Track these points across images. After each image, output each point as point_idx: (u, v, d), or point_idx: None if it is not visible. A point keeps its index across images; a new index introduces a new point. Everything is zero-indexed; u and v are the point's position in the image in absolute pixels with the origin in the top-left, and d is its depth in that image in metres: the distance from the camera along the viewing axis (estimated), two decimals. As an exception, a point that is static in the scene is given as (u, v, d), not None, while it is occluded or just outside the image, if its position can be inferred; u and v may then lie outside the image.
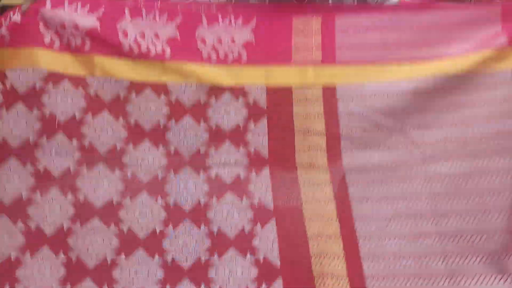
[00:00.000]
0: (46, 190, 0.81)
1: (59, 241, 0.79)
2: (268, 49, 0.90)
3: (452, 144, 0.83)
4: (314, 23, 0.91)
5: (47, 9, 0.84)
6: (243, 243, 0.81)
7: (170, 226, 0.82)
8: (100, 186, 0.82)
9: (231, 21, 0.90)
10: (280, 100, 0.89)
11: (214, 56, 0.89)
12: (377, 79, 0.87)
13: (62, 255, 0.79)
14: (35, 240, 0.79)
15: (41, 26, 0.83)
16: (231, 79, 0.88)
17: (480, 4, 0.90)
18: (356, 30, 0.90)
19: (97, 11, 0.86)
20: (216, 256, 0.81)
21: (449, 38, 0.86)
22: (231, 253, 0.81)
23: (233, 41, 0.89)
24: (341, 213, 0.83)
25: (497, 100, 0.83)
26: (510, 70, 0.83)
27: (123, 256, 0.80)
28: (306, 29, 0.91)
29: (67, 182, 0.81)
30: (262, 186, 0.85)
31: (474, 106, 0.84)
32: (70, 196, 0.81)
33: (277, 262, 0.80)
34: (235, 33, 0.89)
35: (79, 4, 0.85)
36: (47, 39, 0.84)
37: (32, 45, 0.83)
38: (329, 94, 0.88)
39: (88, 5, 0.85)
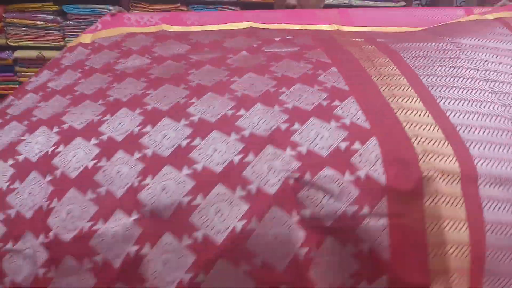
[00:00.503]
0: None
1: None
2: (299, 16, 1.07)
3: None
4: (332, 12, 1.08)
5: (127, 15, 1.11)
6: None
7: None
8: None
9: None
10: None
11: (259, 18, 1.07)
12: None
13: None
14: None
15: (126, 20, 1.08)
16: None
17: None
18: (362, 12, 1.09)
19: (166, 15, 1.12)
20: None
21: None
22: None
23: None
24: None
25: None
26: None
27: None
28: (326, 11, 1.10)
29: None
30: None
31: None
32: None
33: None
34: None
35: (153, 14, 1.13)
36: (127, 22, 1.07)
37: (118, 26, 1.06)
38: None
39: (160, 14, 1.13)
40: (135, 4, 2.47)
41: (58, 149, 0.64)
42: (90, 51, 0.97)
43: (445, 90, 0.69)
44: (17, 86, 2.54)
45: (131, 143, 0.63)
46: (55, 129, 0.67)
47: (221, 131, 0.62)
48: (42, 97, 0.80)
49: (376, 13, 1.09)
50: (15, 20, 2.45)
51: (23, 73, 2.53)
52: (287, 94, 0.67)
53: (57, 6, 2.46)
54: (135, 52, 0.93)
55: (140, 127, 0.65)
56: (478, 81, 0.72)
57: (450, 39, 0.83)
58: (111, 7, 2.46)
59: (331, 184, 0.56)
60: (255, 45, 0.88)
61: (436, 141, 0.60)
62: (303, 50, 0.82)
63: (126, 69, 0.87)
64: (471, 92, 0.70)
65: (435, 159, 0.58)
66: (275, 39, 0.91)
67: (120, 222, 0.56)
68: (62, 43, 2.49)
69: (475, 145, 0.62)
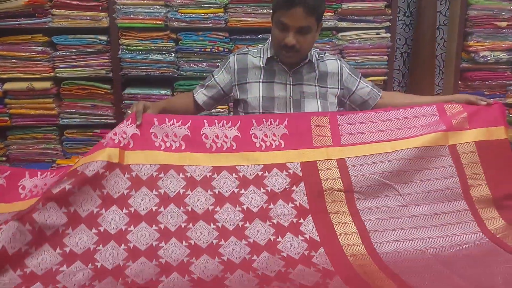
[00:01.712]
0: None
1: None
2: (297, 138, 1.40)
3: (422, 194, 1.34)
4: (324, 119, 1.45)
5: (155, 125, 1.35)
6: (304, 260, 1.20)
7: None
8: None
9: (271, 121, 1.42)
10: (310, 170, 1.35)
11: (264, 146, 1.39)
12: (370, 152, 1.38)
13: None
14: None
15: (153, 136, 1.34)
16: (275, 160, 1.36)
17: (420, 106, 1.49)
18: (351, 123, 1.45)
19: (187, 123, 1.37)
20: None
21: (408, 126, 1.43)
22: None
23: (274, 135, 1.41)
24: (363, 239, 1.25)
25: (446, 163, 1.38)
26: (449, 146, 1.39)
27: None
28: (320, 124, 1.44)
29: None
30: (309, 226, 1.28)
31: (433, 168, 1.37)
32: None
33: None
34: (275, 129, 1.41)
35: (175, 120, 1.37)
36: (156, 144, 1.33)
37: (148, 149, 1.32)
38: (342, 164, 1.36)
39: (181, 120, 1.38)
40: (124, 34, 2.49)
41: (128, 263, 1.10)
42: (130, 183, 1.25)
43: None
44: (7, 118, 2.53)
45: (184, 269, 1.11)
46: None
47: None
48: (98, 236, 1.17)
49: (363, 129, 1.44)
50: (4, 52, 2.46)
51: (12, 105, 2.52)
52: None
53: (46, 37, 2.47)
54: (172, 200, 1.25)
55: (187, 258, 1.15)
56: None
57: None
58: (100, 37, 2.48)
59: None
60: (264, 206, 1.30)
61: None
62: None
63: (167, 223, 1.21)
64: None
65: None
66: (277, 191, 1.33)
67: None
68: (52, 74, 2.50)
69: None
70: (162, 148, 1.32)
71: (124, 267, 1.08)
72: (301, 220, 1.27)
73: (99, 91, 2.54)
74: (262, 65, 1.59)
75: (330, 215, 1.29)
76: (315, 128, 1.42)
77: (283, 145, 1.39)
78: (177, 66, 2.56)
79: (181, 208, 1.24)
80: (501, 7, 2.65)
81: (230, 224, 1.24)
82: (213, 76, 1.66)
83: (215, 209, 1.26)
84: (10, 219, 1.06)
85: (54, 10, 2.42)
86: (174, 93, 2.60)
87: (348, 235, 1.25)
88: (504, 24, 2.66)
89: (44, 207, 1.11)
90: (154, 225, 1.20)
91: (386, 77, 2.65)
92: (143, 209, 1.22)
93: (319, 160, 1.36)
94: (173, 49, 2.52)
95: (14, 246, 1.04)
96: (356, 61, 2.61)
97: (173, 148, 1.33)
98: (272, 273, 1.11)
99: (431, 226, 1.28)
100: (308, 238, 1.23)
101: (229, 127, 1.39)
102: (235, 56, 1.64)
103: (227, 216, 1.25)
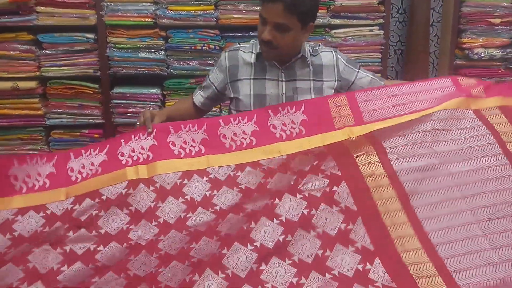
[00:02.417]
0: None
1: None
2: (318, 123, 1.34)
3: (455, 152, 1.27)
4: (342, 99, 1.38)
5: (172, 133, 1.34)
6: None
7: None
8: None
9: (288, 110, 1.36)
10: (337, 148, 1.28)
11: (284, 135, 1.33)
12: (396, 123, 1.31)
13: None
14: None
15: (171, 145, 1.32)
16: (300, 148, 1.31)
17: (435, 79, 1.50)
18: (370, 99, 1.37)
19: (203, 126, 1.35)
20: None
21: (427, 98, 1.38)
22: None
23: (293, 122, 1.35)
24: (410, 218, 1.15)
25: (475, 123, 1.33)
26: (473, 110, 1.35)
27: None
28: (338, 104, 1.37)
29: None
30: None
31: (463, 128, 1.32)
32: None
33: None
34: (293, 117, 1.36)
35: (190, 125, 1.35)
36: (176, 152, 1.31)
37: (168, 158, 1.30)
38: (372, 138, 1.28)
39: (196, 124, 1.35)
40: (112, 31, 2.43)
41: None
42: (155, 194, 1.24)
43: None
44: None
45: (217, 262, 1.04)
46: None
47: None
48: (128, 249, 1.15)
49: (383, 104, 1.37)
50: (-12, 51, 2.39)
51: (-3, 105, 2.45)
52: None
53: (31, 36, 2.40)
54: (199, 204, 1.22)
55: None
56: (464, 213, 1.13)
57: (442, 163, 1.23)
58: (87, 35, 2.42)
59: None
60: (292, 183, 1.21)
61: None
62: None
63: (197, 225, 1.17)
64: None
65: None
66: (305, 169, 1.24)
67: None
68: (37, 73, 2.43)
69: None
70: (182, 155, 1.31)
71: (157, 274, 1.06)
72: (335, 188, 1.18)
73: (87, 91, 2.47)
74: (252, 61, 1.53)
75: (369, 188, 1.19)
76: (334, 109, 1.36)
77: (304, 132, 1.33)
78: (167, 64, 2.50)
79: (209, 209, 1.21)
80: (494, 3, 2.63)
81: (259, 209, 1.19)
82: (208, 76, 1.62)
83: (244, 204, 1.21)
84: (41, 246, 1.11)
85: (39, 7, 2.36)
86: (164, 92, 2.55)
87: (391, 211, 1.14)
88: (498, 20, 2.63)
89: (75, 234, 1.15)
90: (184, 230, 1.17)
91: (380, 75, 2.62)
92: (172, 217, 1.20)
93: (345, 140, 1.29)
94: (163, 47, 2.47)
95: (46, 266, 1.08)
96: (350, 58, 2.57)
97: (193, 153, 1.32)
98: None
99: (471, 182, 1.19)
100: (343, 208, 1.14)
101: (245, 123, 1.35)
102: (227, 53, 1.59)
103: (256, 202, 1.21)
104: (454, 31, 2.66)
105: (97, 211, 1.19)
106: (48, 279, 1.04)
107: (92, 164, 1.28)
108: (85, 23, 2.41)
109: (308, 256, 1.05)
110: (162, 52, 2.47)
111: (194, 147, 1.33)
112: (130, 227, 1.18)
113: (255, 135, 1.34)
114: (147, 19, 2.42)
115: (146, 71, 2.49)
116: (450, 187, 1.17)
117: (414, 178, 1.19)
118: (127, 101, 2.52)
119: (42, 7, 2.36)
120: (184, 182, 1.27)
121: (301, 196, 1.17)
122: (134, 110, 2.51)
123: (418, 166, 1.22)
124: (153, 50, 2.47)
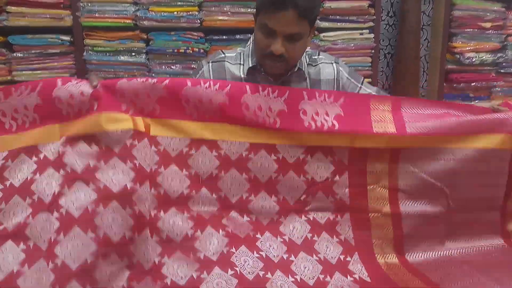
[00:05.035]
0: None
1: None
2: (354, 121, 1.18)
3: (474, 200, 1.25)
4: (386, 104, 1.24)
5: (188, 86, 1.10)
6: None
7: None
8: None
9: (325, 97, 1.19)
10: (357, 159, 1.20)
11: (313, 125, 1.16)
12: (431, 145, 1.20)
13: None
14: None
15: (184, 102, 1.11)
16: (322, 142, 1.17)
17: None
18: (415, 111, 1.25)
19: (226, 88, 1.13)
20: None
21: (474, 128, 1.23)
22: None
23: (327, 113, 1.18)
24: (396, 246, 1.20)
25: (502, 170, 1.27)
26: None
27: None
28: (379, 108, 1.23)
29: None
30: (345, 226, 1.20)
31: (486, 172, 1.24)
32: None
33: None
34: (328, 107, 1.19)
35: (211, 83, 1.12)
36: (187, 112, 1.11)
37: (178, 118, 1.11)
38: (395, 155, 1.20)
39: (218, 84, 1.13)
40: (89, 33, 2.28)
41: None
42: (158, 157, 1.09)
43: None
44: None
45: (226, 261, 1.06)
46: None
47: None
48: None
49: (425, 118, 1.23)
50: (-47, 54, 2.22)
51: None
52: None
53: (1, 37, 2.24)
54: (203, 184, 1.12)
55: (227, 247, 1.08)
56: None
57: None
58: (62, 37, 2.27)
59: None
60: (302, 199, 1.19)
61: None
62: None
63: (199, 211, 1.11)
64: None
65: None
66: (318, 180, 1.20)
67: None
68: (9, 77, 2.27)
69: None
70: (194, 117, 1.11)
71: (161, 264, 1.02)
72: (338, 218, 1.19)
73: (62, 96, 2.32)
74: (242, 76, 1.33)
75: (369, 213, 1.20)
76: (374, 112, 1.21)
77: (336, 127, 1.16)
78: (148, 68, 2.37)
79: (213, 194, 1.11)
80: (485, 7, 2.59)
81: (264, 218, 1.14)
82: None
83: (249, 198, 1.13)
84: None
85: (9, 7, 2.19)
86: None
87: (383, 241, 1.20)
88: (488, 24, 2.59)
89: (71, 188, 0.99)
90: (185, 212, 1.08)
91: (370, 79, 2.54)
92: (174, 191, 1.08)
93: (372, 148, 1.18)
94: (144, 50, 2.34)
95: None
96: (354, 71, 2.48)
97: (207, 117, 1.12)
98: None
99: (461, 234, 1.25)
100: (343, 240, 1.18)
101: (274, 97, 1.16)
102: (210, 64, 1.36)
103: (262, 208, 1.14)
104: (445, 35, 2.61)
105: (95, 161, 1.01)
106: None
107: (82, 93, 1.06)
108: (60, 24, 2.25)
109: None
110: (143, 56, 2.34)
111: (209, 110, 1.13)
112: (135, 186, 1.03)
113: (281, 115, 1.15)
114: (126, 21, 2.29)
115: (126, 75, 2.35)
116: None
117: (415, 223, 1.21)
118: (106, 107, 2.37)
119: (12, 7, 2.19)
120: (191, 152, 1.11)
121: (306, 219, 1.18)
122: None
123: (423, 209, 1.22)
124: (133, 53, 2.33)
